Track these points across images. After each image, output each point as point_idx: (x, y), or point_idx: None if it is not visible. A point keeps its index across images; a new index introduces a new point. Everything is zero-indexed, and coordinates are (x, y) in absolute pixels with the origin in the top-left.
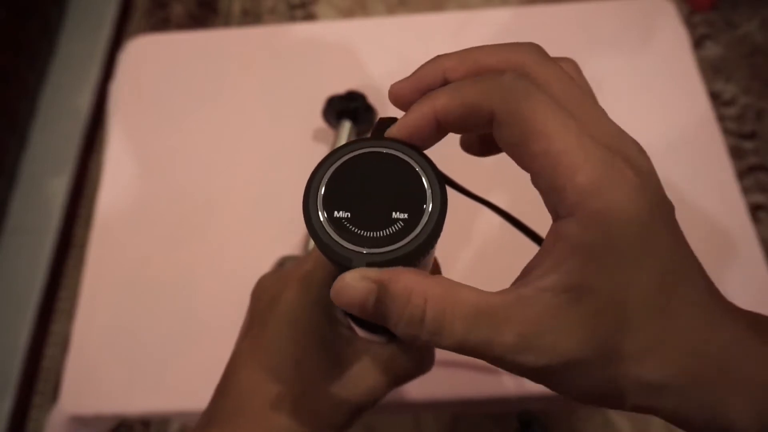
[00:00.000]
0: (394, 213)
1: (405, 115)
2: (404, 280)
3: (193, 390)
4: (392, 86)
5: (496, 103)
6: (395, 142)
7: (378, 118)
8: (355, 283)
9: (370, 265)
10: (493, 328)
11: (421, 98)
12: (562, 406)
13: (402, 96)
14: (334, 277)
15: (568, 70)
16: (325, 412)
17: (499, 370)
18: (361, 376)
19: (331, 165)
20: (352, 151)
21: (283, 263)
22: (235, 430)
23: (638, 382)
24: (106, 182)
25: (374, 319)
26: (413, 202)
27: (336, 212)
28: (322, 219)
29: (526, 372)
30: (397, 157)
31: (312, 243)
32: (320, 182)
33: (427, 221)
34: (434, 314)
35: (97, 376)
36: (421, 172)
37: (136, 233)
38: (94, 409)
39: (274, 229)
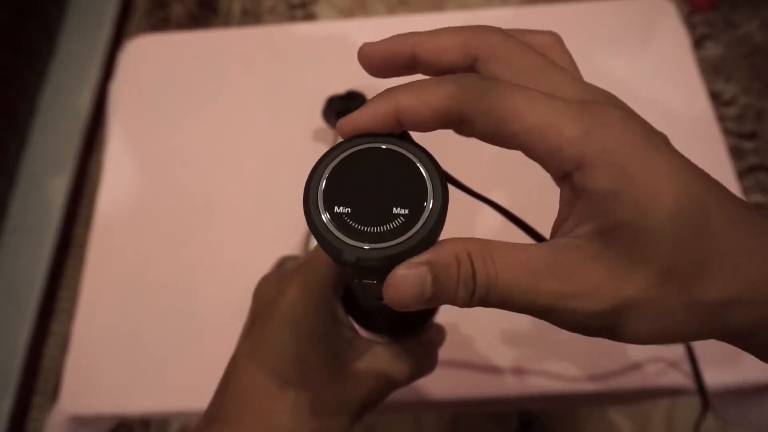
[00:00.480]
0: (395, 208)
1: (365, 107)
2: (448, 247)
3: (193, 390)
4: (362, 46)
5: (463, 104)
6: (396, 138)
7: None
8: (408, 272)
9: (370, 258)
10: (536, 277)
11: (383, 93)
12: (562, 406)
13: (369, 59)
14: (336, 276)
15: (547, 43)
16: (327, 413)
17: (500, 370)
18: (364, 377)
19: (331, 161)
20: (351, 147)
21: (283, 263)
22: (235, 430)
23: (707, 304)
24: (106, 182)
25: (433, 303)
26: (414, 198)
27: (336, 208)
28: (322, 215)
29: (581, 321)
30: (398, 152)
31: (312, 242)
32: (320, 178)
33: (429, 216)
34: (481, 269)
35: (97, 376)
36: (421, 168)
37: (136, 233)
38: (94, 409)
39: (274, 229)
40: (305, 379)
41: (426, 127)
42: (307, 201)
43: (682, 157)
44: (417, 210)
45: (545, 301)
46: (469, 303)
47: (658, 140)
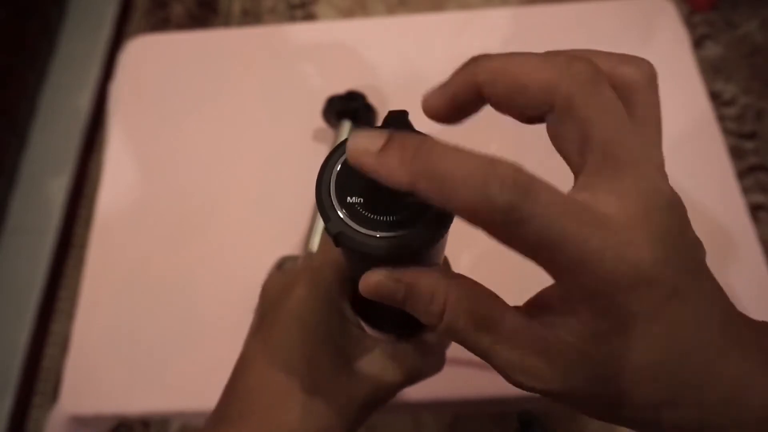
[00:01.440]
0: (405, 198)
1: (446, 81)
2: (432, 281)
3: (193, 390)
4: (423, 97)
5: (562, 95)
6: (409, 130)
7: (388, 112)
8: (386, 282)
9: (383, 248)
10: (495, 341)
11: (468, 62)
12: (562, 407)
13: (433, 108)
14: (344, 272)
15: (637, 82)
16: (336, 410)
17: None
18: (372, 375)
19: (343, 153)
20: None
21: (283, 263)
22: (244, 429)
23: (636, 403)
24: (106, 182)
25: (403, 308)
26: None
27: (348, 198)
28: (334, 204)
29: (524, 388)
30: None
31: (313, 242)
32: (333, 169)
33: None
34: (449, 318)
35: (97, 376)
36: None
37: (136, 233)
38: (94, 409)
39: (274, 229)
40: (313, 377)
41: (509, 104)
42: (320, 191)
43: (709, 276)
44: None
45: (495, 363)
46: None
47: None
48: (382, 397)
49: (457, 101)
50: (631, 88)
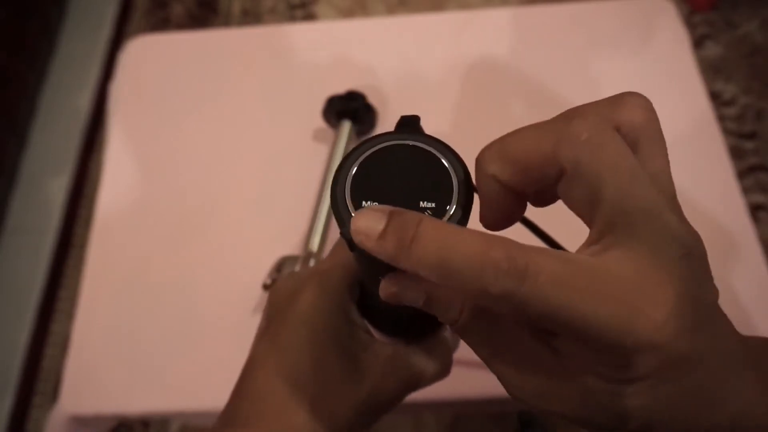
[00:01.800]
0: (421, 202)
1: (482, 197)
2: (452, 296)
3: (193, 390)
4: (483, 224)
5: (568, 159)
6: (420, 135)
7: (401, 116)
8: (408, 290)
9: None
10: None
11: (476, 163)
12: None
13: (494, 226)
14: (352, 276)
15: (638, 122)
16: (343, 414)
17: None
18: (380, 379)
19: (359, 157)
20: (378, 144)
21: (283, 263)
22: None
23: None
24: (106, 182)
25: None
26: (440, 192)
27: (364, 202)
28: (350, 208)
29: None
30: (424, 149)
31: (313, 242)
32: (348, 173)
33: (455, 211)
34: (464, 322)
35: (97, 376)
36: (447, 164)
37: (136, 233)
38: (94, 409)
39: (274, 229)
40: (321, 380)
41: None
42: (335, 195)
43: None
44: (443, 204)
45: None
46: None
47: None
48: (391, 399)
49: (502, 207)
50: (633, 129)
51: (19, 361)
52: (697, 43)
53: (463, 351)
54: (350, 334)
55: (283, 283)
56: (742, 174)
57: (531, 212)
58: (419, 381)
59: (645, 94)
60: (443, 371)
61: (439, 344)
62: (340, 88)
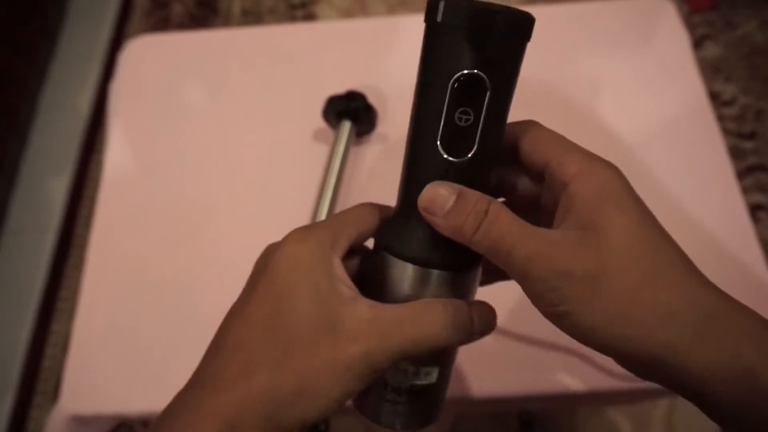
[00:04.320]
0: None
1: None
2: (472, 197)
3: None
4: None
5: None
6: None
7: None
8: (442, 190)
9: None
10: (514, 247)
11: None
12: (562, 406)
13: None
14: (338, 230)
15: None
16: (313, 373)
17: (500, 370)
18: (360, 337)
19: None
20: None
21: None
22: (210, 394)
23: (607, 313)
24: (106, 182)
25: (446, 221)
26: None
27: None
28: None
29: (532, 281)
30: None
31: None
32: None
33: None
34: (489, 218)
35: (97, 376)
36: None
37: (136, 233)
38: (94, 409)
39: (274, 229)
40: (290, 335)
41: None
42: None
43: (645, 208)
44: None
45: (511, 260)
46: (471, 235)
47: (630, 189)
48: (373, 363)
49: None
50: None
51: (19, 361)
52: (697, 43)
53: (463, 351)
54: (330, 288)
55: (269, 246)
56: (741, 174)
57: None
58: (405, 344)
59: (645, 94)
60: (448, 334)
61: (435, 305)
62: (340, 88)
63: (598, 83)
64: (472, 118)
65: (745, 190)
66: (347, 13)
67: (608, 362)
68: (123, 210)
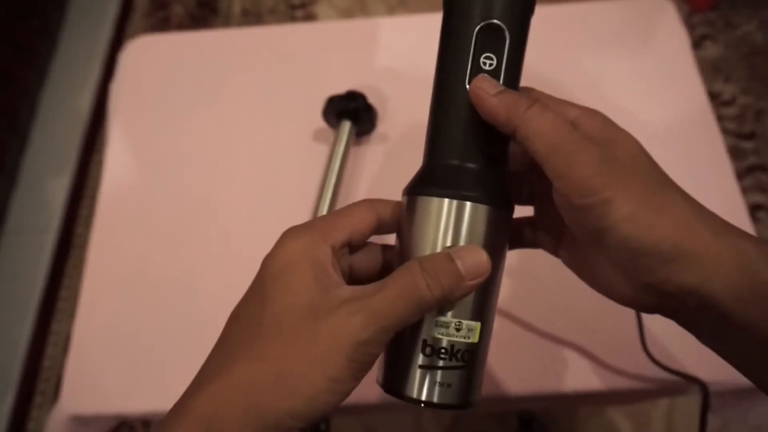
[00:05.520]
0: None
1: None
2: (515, 94)
3: None
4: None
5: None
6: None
7: None
8: (487, 87)
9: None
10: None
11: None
12: (562, 406)
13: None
14: (337, 231)
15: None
16: (289, 361)
17: (500, 370)
18: (337, 319)
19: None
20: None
21: None
22: (194, 392)
23: (614, 215)
24: (107, 182)
25: (485, 104)
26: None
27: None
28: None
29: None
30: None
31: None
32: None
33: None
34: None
35: (97, 376)
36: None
37: (136, 233)
38: (95, 409)
39: (274, 229)
40: (274, 327)
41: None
42: None
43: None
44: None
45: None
46: (527, 109)
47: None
48: (358, 342)
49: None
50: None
51: (19, 361)
52: (697, 43)
53: None
54: (316, 278)
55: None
56: (741, 174)
57: None
58: (395, 313)
59: (645, 94)
60: (433, 291)
61: (412, 264)
62: (340, 88)
63: (598, 83)
64: (495, 63)
65: (745, 190)
66: (347, 13)
67: (608, 362)
68: (123, 210)
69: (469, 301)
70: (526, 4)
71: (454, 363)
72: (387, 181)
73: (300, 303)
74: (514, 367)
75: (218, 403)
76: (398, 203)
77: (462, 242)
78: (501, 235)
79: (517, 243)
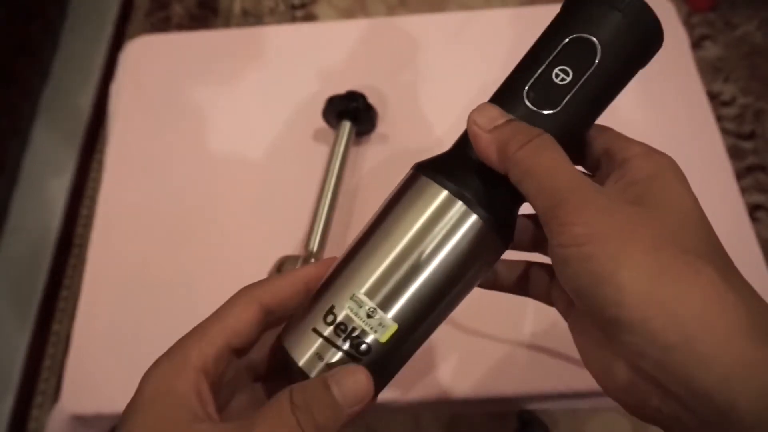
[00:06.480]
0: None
1: None
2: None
3: None
4: None
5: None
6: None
7: None
8: (487, 124)
9: None
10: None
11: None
12: (562, 406)
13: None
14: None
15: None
16: None
17: (499, 370)
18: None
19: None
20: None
21: (283, 263)
22: None
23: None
24: (107, 182)
25: (483, 143)
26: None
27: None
28: None
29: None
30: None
31: (313, 243)
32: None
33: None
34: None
35: (97, 375)
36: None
37: (136, 233)
38: (95, 409)
39: (275, 229)
40: None
41: None
42: None
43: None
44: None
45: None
46: (516, 150)
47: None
48: None
49: None
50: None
51: (20, 361)
52: (696, 43)
53: (463, 351)
54: (171, 413)
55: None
56: (740, 174)
57: None
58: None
59: (644, 95)
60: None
61: (281, 399)
62: (340, 88)
63: None
64: (568, 80)
65: (745, 190)
66: (347, 13)
67: None
68: (123, 210)
69: (401, 298)
70: (637, 48)
71: (347, 348)
72: (387, 181)
73: None
74: (514, 367)
75: None
76: (290, 276)
77: (438, 241)
78: (480, 252)
79: (536, 294)
